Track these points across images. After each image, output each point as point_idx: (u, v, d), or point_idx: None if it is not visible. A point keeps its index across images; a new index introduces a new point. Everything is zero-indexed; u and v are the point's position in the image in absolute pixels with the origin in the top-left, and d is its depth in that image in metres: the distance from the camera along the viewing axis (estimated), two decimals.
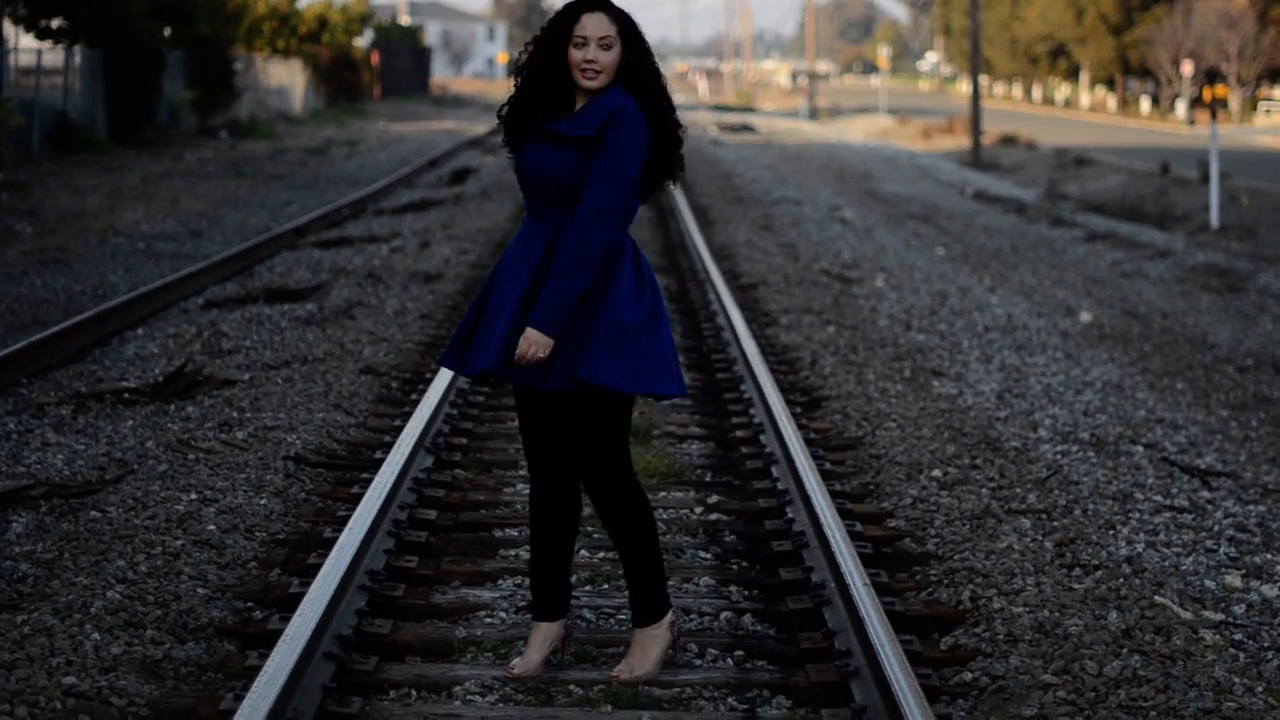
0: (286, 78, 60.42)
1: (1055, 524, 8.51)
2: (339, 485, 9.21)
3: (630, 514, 6.47)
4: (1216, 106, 28.05)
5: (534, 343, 6.08)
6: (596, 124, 6.12)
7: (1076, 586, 7.45)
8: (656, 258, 20.16)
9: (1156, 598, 7.26)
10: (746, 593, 7.66)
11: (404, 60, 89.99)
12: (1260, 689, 6.32)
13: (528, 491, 6.73)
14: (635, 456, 9.92)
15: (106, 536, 7.83)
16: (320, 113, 62.74)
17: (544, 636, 6.56)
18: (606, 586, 7.63)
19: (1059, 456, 10.06)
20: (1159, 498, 9.15)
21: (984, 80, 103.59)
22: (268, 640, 6.58)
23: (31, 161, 30.84)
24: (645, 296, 6.25)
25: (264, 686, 5.75)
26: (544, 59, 6.19)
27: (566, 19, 6.15)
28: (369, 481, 8.62)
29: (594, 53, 6.10)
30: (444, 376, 10.90)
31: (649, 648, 6.53)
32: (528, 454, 6.52)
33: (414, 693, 6.43)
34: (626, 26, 6.16)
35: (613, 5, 6.19)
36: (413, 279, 17.24)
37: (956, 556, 7.99)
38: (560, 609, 6.59)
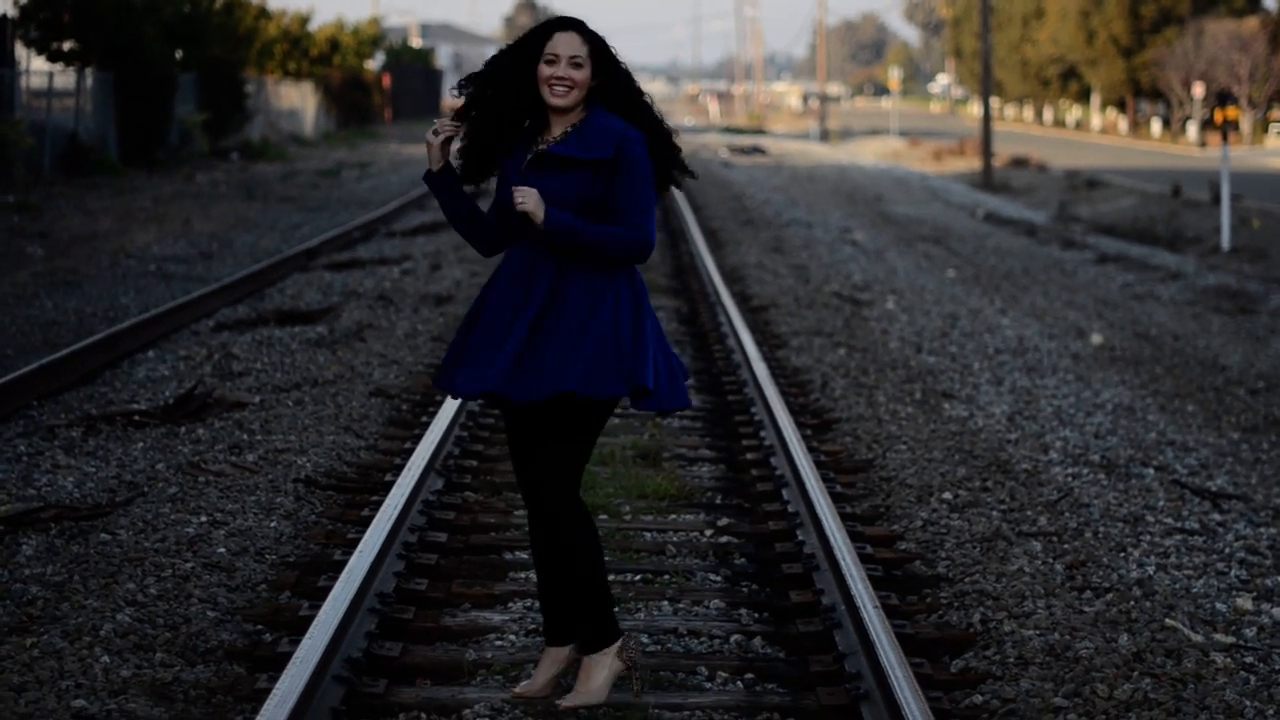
0: (298, 100, 60.52)
1: (1066, 546, 8.50)
2: (349, 508, 9.20)
3: (581, 534, 6.33)
4: (1228, 128, 28.01)
5: (530, 197, 6.08)
6: (609, 146, 6.14)
7: (1087, 609, 7.44)
8: (667, 280, 20.18)
9: (1167, 620, 7.25)
10: (757, 615, 7.65)
11: (415, 82, 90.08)
12: (1271, 712, 6.30)
13: None
14: (645, 478, 9.94)
15: (116, 559, 7.83)
16: (331, 135, 62.83)
17: (553, 660, 6.54)
18: (617, 610, 7.61)
19: (1070, 479, 10.05)
20: (1170, 520, 9.14)
21: (995, 102, 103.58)
22: (277, 663, 6.58)
23: (43, 183, 30.89)
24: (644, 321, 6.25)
25: (273, 709, 5.75)
26: (510, 77, 6.20)
27: (538, 37, 6.18)
28: (379, 504, 8.63)
29: (565, 69, 6.11)
30: (454, 399, 10.89)
31: (594, 673, 6.43)
32: (521, 477, 6.41)
33: (423, 715, 6.42)
34: (598, 48, 6.19)
35: (585, 26, 6.21)
36: (424, 301, 17.26)
37: (967, 579, 7.98)
38: (570, 633, 6.57)
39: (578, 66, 6.13)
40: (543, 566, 6.49)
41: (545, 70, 6.13)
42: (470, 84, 6.29)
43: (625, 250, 6.14)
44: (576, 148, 6.16)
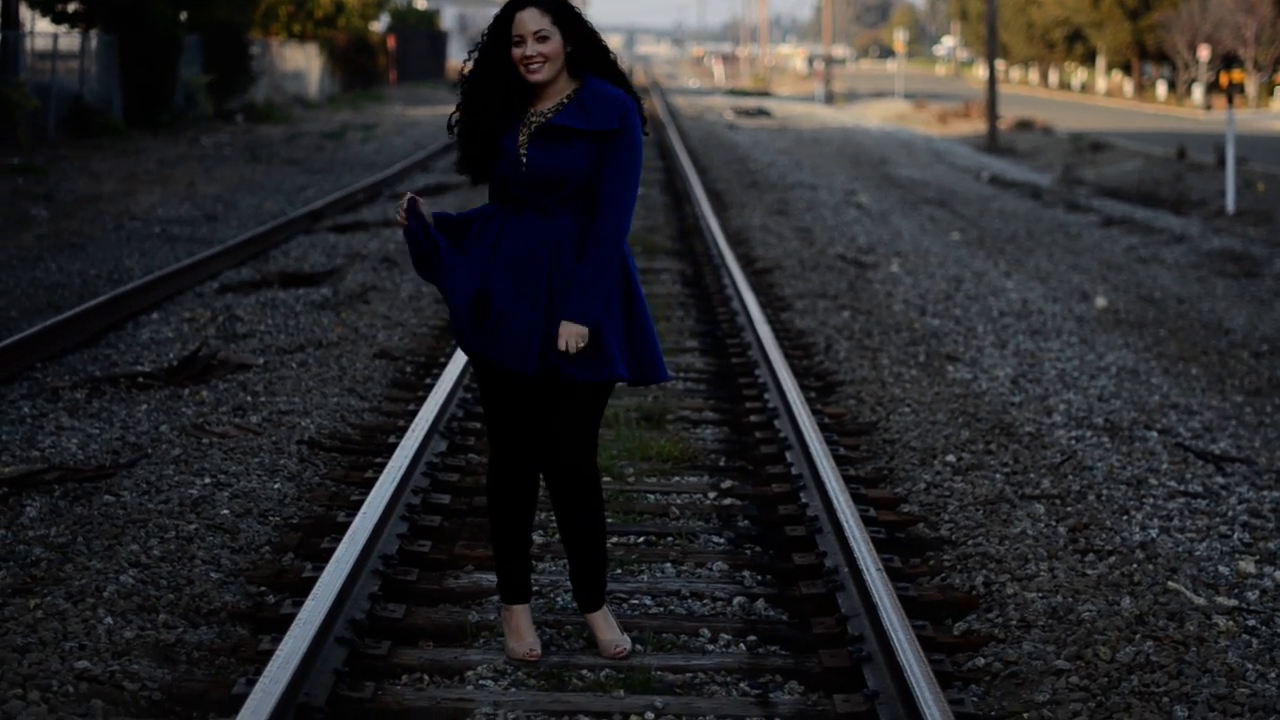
0: (302, 62, 60.37)
1: (1069, 509, 8.51)
2: (353, 469, 9.22)
3: (600, 497, 6.59)
4: (1233, 91, 27.93)
5: (574, 334, 6.21)
6: (613, 116, 6.24)
7: (1090, 572, 7.44)
8: (671, 241, 20.17)
9: (1170, 583, 7.26)
10: (760, 578, 7.66)
11: (420, 44, 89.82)
12: (1273, 675, 6.31)
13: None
14: (649, 440, 9.97)
15: (120, 521, 7.85)
16: (336, 97, 62.71)
17: (529, 619, 6.67)
18: (620, 572, 7.63)
19: (1073, 442, 10.05)
20: (1173, 483, 9.13)
21: (1000, 65, 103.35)
22: (281, 625, 6.60)
23: (47, 145, 30.85)
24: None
25: (276, 671, 5.77)
26: (489, 63, 6.28)
27: (503, 21, 6.24)
28: (383, 466, 8.63)
29: (532, 48, 6.19)
30: (458, 361, 10.90)
31: (611, 622, 6.70)
32: (513, 443, 6.58)
33: (426, 677, 6.44)
34: (561, 14, 6.25)
35: None
36: None
37: (970, 542, 7.99)
38: (528, 590, 6.73)
39: (544, 40, 6.21)
40: (524, 525, 6.65)
41: (516, 52, 6.22)
42: (464, 79, 6.37)
43: (616, 232, 6.26)
44: (578, 118, 6.25)
